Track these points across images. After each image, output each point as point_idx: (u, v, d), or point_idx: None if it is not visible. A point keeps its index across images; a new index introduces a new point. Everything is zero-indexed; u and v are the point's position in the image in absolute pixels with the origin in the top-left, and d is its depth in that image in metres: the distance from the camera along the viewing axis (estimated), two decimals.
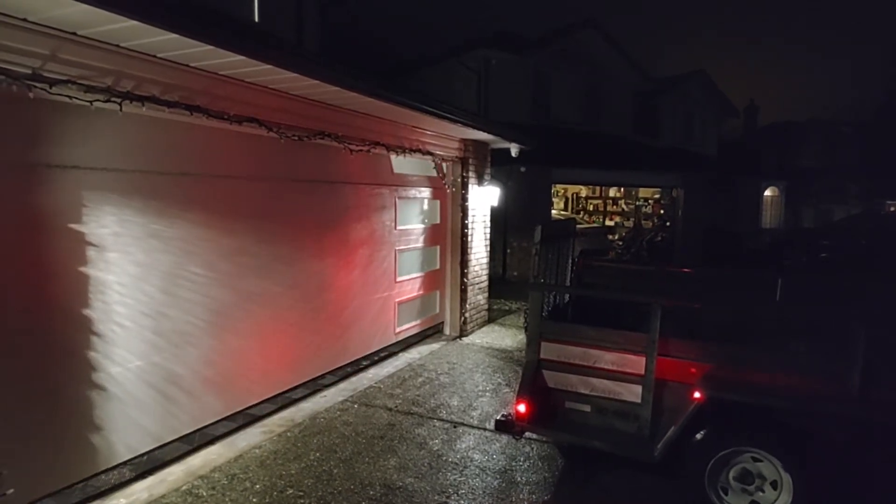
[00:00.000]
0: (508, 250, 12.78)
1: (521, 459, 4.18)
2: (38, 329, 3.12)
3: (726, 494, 3.37)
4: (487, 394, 5.50)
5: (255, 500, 3.54)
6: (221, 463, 3.97)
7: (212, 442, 4.24)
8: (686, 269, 5.71)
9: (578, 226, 8.13)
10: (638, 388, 3.58)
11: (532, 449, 4.33)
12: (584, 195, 18.91)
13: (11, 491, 2.97)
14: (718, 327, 3.92)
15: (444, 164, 7.30)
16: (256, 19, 8.12)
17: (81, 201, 3.27)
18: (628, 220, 18.32)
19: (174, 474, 3.79)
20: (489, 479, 3.89)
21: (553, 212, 14.98)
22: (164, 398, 3.88)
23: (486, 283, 8.27)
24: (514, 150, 8.09)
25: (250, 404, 4.67)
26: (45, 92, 2.90)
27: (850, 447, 3.18)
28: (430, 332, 7.60)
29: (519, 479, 3.91)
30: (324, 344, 5.48)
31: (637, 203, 18.50)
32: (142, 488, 3.60)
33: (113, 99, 3.21)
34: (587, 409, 3.78)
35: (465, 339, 7.52)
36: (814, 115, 30.12)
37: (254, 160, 4.52)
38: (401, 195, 6.58)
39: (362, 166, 5.77)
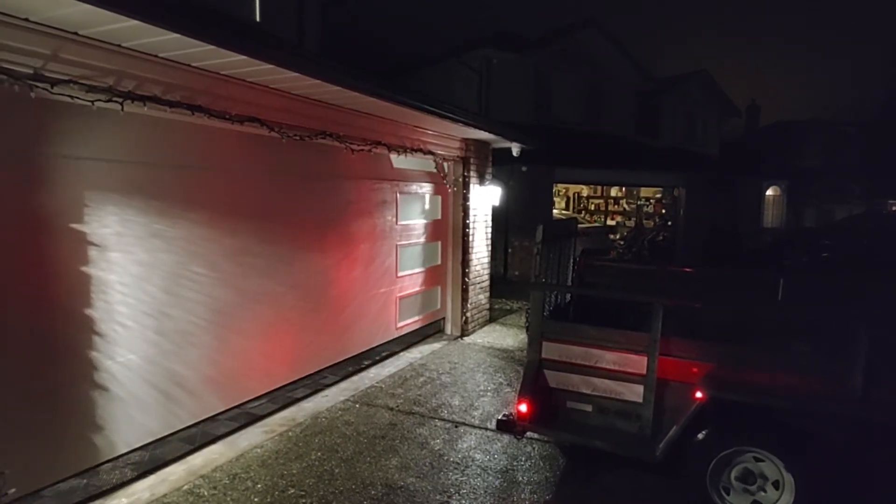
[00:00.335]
0: (510, 250, 12.77)
1: (523, 459, 4.18)
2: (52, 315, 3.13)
3: (728, 494, 3.37)
4: (489, 393, 5.50)
5: (256, 499, 3.54)
6: (223, 462, 3.98)
7: (213, 441, 4.25)
8: (688, 269, 5.70)
9: (580, 225, 8.13)
10: (639, 388, 3.58)
11: (533, 449, 4.33)
12: (585, 195, 18.89)
13: (13, 490, 2.97)
14: (720, 327, 3.91)
15: (445, 164, 7.30)
16: (258, 19, 8.13)
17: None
18: (630, 219, 18.28)
19: (176, 474, 3.79)
20: (491, 478, 3.89)
21: (554, 211, 14.98)
22: (166, 397, 3.88)
23: (487, 283, 8.27)
24: (515, 149, 8.08)
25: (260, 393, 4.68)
26: (46, 92, 2.90)
27: (852, 447, 3.18)
28: (432, 332, 7.61)
29: (520, 478, 3.91)
30: (325, 338, 5.48)
31: (638, 203, 18.47)
32: (143, 487, 3.60)
33: (114, 99, 3.21)
34: (589, 408, 3.78)
35: (467, 339, 7.52)
36: (815, 115, 30.11)
37: (254, 159, 4.52)
38: (402, 190, 6.59)
39: (363, 161, 5.77)
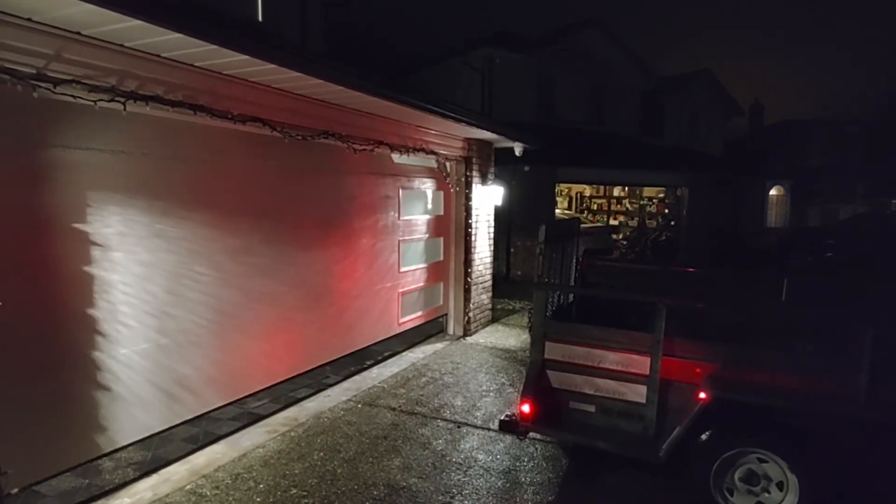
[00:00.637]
0: (512, 250, 12.75)
1: (526, 460, 4.17)
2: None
3: (732, 495, 3.35)
4: (491, 394, 5.49)
5: (258, 499, 3.54)
6: (225, 462, 3.98)
7: (215, 441, 4.25)
8: (691, 269, 5.68)
9: (582, 225, 8.09)
10: (643, 389, 3.57)
11: (536, 449, 4.32)
12: (588, 194, 18.85)
13: (15, 490, 2.98)
14: (723, 327, 3.89)
15: (447, 163, 7.29)
16: (260, 19, 8.14)
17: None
18: (633, 219, 18.24)
19: (178, 473, 3.79)
20: (493, 479, 3.88)
21: (557, 211, 14.96)
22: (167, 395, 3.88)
23: (489, 283, 8.26)
24: (518, 149, 8.07)
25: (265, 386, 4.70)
26: (49, 92, 2.90)
27: (857, 448, 3.16)
28: (434, 331, 7.60)
29: (523, 479, 3.89)
30: (328, 335, 5.48)
31: (641, 202, 18.41)
32: (146, 487, 3.60)
33: (117, 98, 3.21)
34: (592, 409, 3.77)
35: (469, 339, 7.51)
36: (819, 115, 30.00)
37: (256, 159, 4.52)
38: (404, 185, 6.58)
39: (365, 157, 5.75)
